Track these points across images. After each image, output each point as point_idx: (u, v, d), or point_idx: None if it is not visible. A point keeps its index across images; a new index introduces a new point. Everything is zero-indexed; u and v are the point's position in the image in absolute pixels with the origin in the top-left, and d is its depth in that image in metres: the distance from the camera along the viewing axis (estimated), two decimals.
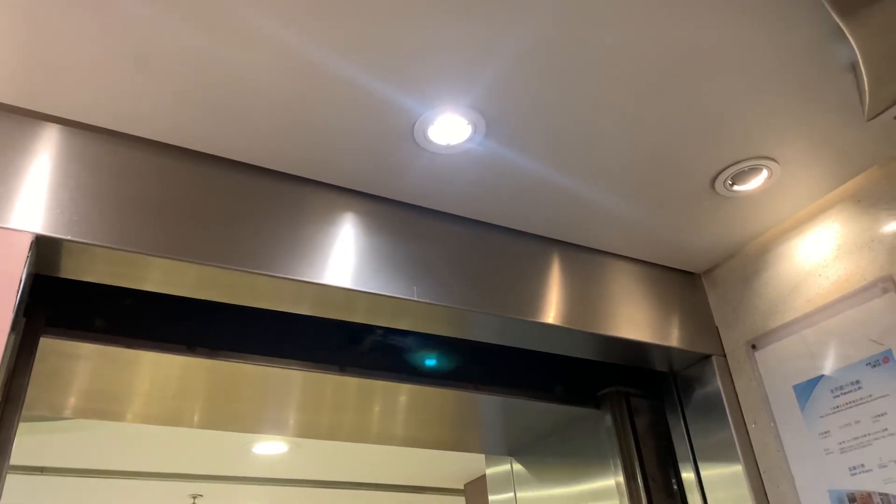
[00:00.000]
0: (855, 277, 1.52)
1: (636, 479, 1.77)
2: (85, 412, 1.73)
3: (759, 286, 1.74)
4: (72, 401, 1.66)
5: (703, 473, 1.73)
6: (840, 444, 1.47)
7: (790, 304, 1.65)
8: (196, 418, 1.83)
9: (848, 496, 1.44)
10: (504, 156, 1.43)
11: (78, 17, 1.09)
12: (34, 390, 1.52)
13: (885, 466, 1.39)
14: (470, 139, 1.37)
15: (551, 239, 1.71)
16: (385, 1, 1.10)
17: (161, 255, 1.24)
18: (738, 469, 1.64)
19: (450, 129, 1.34)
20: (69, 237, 1.16)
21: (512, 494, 2.27)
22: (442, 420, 2.03)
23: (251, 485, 4.42)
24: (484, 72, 1.23)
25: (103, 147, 1.28)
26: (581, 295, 1.67)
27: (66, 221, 1.18)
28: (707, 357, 1.78)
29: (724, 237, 1.76)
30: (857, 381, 1.47)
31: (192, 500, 4.58)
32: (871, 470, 1.41)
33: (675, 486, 1.78)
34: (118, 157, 1.29)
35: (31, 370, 1.25)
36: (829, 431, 1.50)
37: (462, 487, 4.67)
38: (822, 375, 1.54)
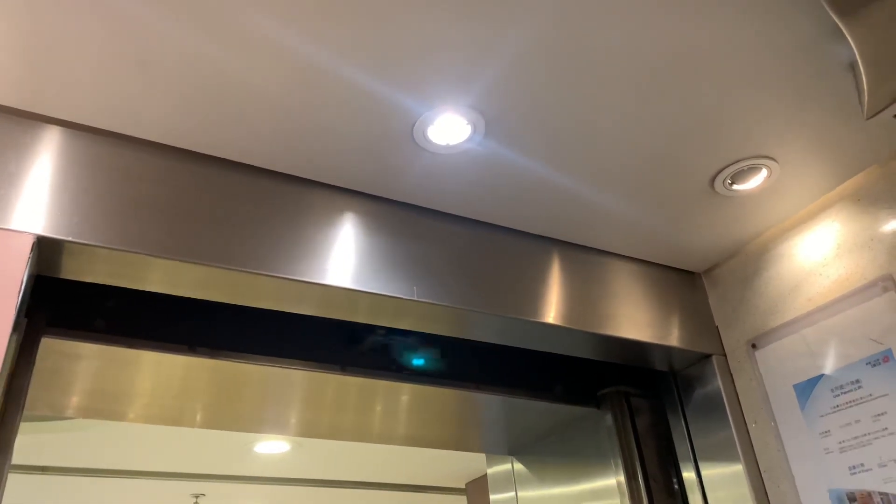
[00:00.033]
0: (855, 276, 1.52)
1: (637, 479, 1.77)
2: (87, 412, 1.74)
3: (759, 285, 1.74)
4: (74, 401, 1.66)
5: (703, 473, 1.73)
6: (840, 443, 1.47)
7: (790, 303, 1.65)
8: (198, 418, 1.83)
9: (848, 495, 1.44)
10: (504, 156, 1.43)
11: (80, 21, 1.10)
12: (36, 390, 1.52)
13: (885, 466, 1.39)
14: (469, 139, 1.37)
15: (551, 238, 1.71)
16: (384, 1, 1.10)
17: (162, 255, 1.24)
18: (738, 468, 1.64)
19: (449, 129, 1.34)
20: (70, 238, 1.17)
21: (513, 494, 2.27)
22: (443, 419, 2.03)
23: (253, 484, 4.43)
24: (483, 72, 1.23)
25: (105, 149, 1.29)
26: (581, 294, 1.67)
27: (68, 223, 1.18)
28: (707, 356, 1.78)
29: (723, 236, 1.76)
30: (858, 381, 1.47)
31: (194, 500, 4.58)
32: (870, 469, 1.41)
33: (676, 486, 1.78)
34: (119, 159, 1.29)
35: (32, 370, 1.25)
36: (829, 431, 1.50)
37: (464, 487, 4.68)
38: (823, 375, 1.54)
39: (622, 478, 1.79)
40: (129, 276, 1.31)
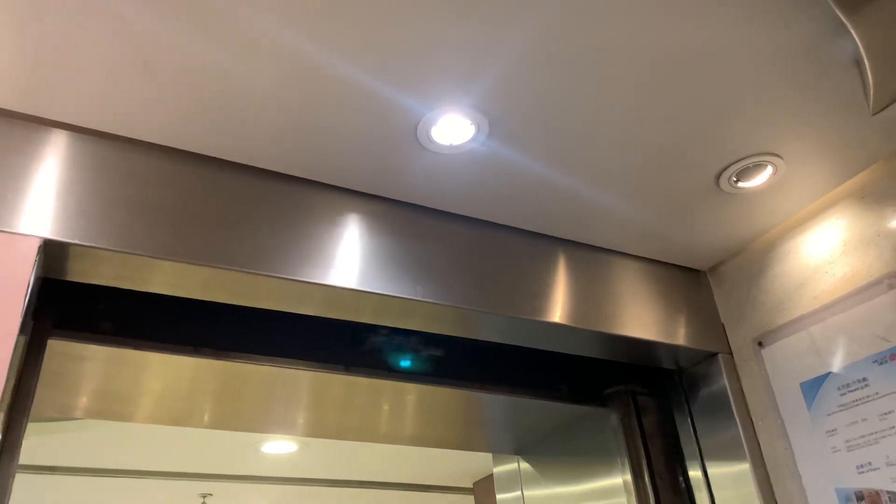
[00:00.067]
0: (861, 274, 1.52)
1: (643, 478, 1.77)
2: (94, 413, 1.75)
3: (764, 283, 1.74)
4: (81, 402, 1.67)
5: (710, 471, 1.73)
6: (847, 442, 1.47)
7: (796, 301, 1.65)
8: (205, 418, 1.84)
9: (856, 494, 1.44)
10: (507, 155, 1.43)
11: (84, 25, 1.10)
12: (43, 392, 1.53)
13: (893, 464, 1.38)
14: (473, 139, 1.37)
15: (556, 237, 1.71)
16: (387, 2, 1.10)
17: (167, 257, 1.24)
18: (745, 467, 1.64)
19: (453, 129, 1.34)
20: (76, 241, 1.17)
21: (519, 493, 2.27)
22: (448, 419, 2.03)
23: (260, 484, 4.44)
24: (486, 72, 1.23)
25: (110, 152, 1.29)
26: (586, 293, 1.67)
27: (74, 226, 1.18)
28: (713, 355, 1.78)
29: (729, 234, 1.76)
30: (864, 379, 1.46)
31: (201, 500, 4.60)
32: (878, 468, 1.40)
33: (683, 485, 1.77)
34: (124, 162, 1.30)
35: (39, 372, 1.26)
36: (836, 429, 1.49)
37: (471, 486, 4.68)
38: (829, 373, 1.53)
39: (629, 477, 1.79)
40: (134, 278, 1.31)
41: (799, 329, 1.62)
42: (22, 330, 1.08)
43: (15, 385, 1.20)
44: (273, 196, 1.41)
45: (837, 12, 1.15)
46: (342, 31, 1.14)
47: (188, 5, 1.08)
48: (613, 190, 1.56)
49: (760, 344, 1.70)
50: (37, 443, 3.52)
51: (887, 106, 1.35)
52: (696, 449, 1.76)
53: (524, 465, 2.28)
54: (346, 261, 1.41)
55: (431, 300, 1.46)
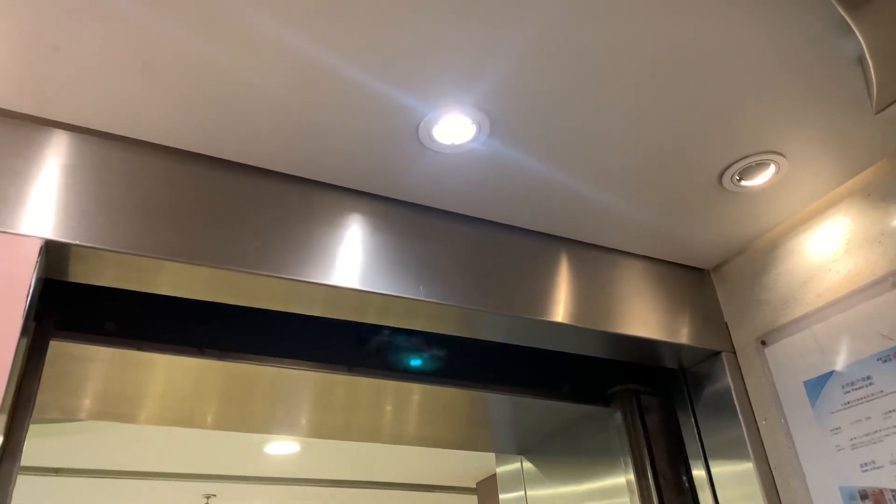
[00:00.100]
0: (865, 272, 1.51)
1: (647, 477, 1.77)
2: (98, 414, 1.75)
3: (768, 282, 1.73)
4: (85, 403, 1.67)
5: (713, 471, 1.72)
6: (851, 440, 1.46)
7: (800, 299, 1.64)
8: (209, 419, 1.84)
9: (860, 493, 1.43)
10: (509, 155, 1.43)
11: (84, 25, 1.10)
12: (47, 393, 1.54)
13: None
14: (474, 139, 1.37)
15: (558, 237, 1.71)
16: (387, 2, 1.10)
17: (170, 258, 1.24)
18: (748, 466, 1.63)
19: (454, 128, 1.34)
20: (78, 242, 1.17)
21: (522, 493, 2.27)
22: (452, 419, 2.03)
23: (264, 484, 4.44)
24: (487, 71, 1.23)
25: (111, 152, 1.29)
26: (589, 293, 1.66)
27: (75, 226, 1.18)
28: (717, 353, 1.78)
29: (732, 233, 1.75)
30: (868, 377, 1.46)
31: (205, 500, 4.60)
32: (882, 466, 1.40)
33: (686, 484, 1.77)
34: (126, 162, 1.30)
35: (41, 373, 1.26)
36: (840, 428, 1.49)
37: (474, 486, 4.68)
38: (833, 371, 1.53)
39: (632, 476, 1.79)
40: (138, 279, 1.31)
41: (802, 327, 1.61)
42: (23, 331, 1.08)
43: (17, 387, 1.20)
44: (275, 196, 1.41)
45: (840, 11, 1.15)
46: (343, 31, 1.14)
47: (189, 5, 1.08)
48: (616, 189, 1.56)
49: (764, 343, 1.70)
50: (41, 444, 3.53)
51: (891, 104, 1.35)
52: (700, 448, 1.76)
53: (527, 465, 2.28)
54: (349, 261, 1.41)
55: (434, 300, 1.46)
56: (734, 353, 1.78)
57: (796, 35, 1.21)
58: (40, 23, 1.10)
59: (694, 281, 1.87)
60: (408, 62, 1.20)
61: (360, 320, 1.52)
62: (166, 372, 1.57)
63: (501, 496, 2.39)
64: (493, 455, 2.51)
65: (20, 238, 1.13)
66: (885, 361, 1.43)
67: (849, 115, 1.40)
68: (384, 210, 1.52)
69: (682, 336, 1.74)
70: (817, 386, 1.55)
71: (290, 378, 1.64)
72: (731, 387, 1.72)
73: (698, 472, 1.75)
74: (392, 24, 1.13)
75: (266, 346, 1.55)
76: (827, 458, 1.50)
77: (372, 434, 2.09)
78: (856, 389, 1.47)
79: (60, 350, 1.38)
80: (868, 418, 1.44)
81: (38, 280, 1.17)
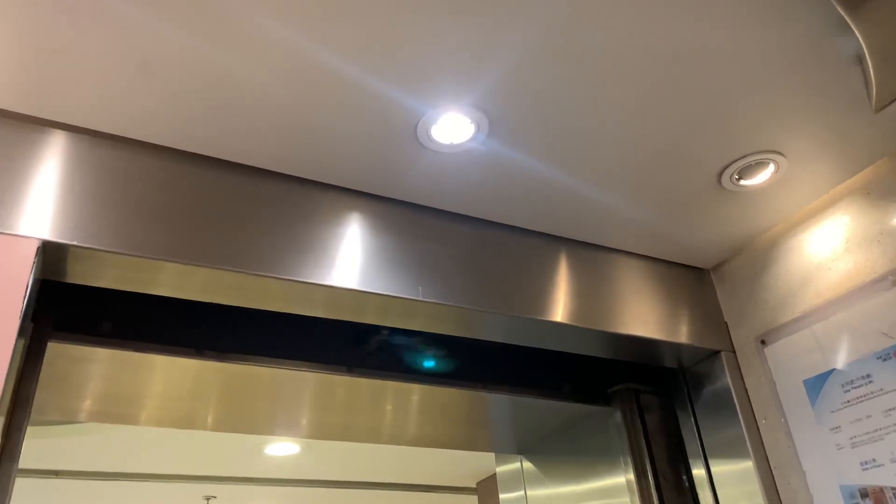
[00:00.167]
0: (865, 271, 1.51)
1: (647, 477, 1.76)
2: (98, 416, 1.75)
3: (767, 281, 1.73)
4: (84, 405, 1.67)
5: (713, 470, 1.72)
6: (851, 438, 1.46)
7: (799, 298, 1.64)
8: (209, 420, 1.84)
9: (860, 491, 1.43)
10: (508, 155, 1.43)
11: (80, 24, 1.10)
12: (45, 395, 1.53)
13: None
14: (473, 138, 1.37)
15: (557, 237, 1.71)
16: (386, 1, 1.10)
17: (169, 259, 1.24)
18: (748, 465, 1.63)
19: (453, 128, 1.34)
20: (75, 242, 1.17)
21: (522, 493, 2.27)
22: (452, 419, 2.03)
23: (264, 486, 4.44)
24: (486, 71, 1.23)
25: (109, 152, 1.29)
26: (589, 292, 1.66)
27: (73, 227, 1.18)
28: (716, 353, 1.77)
29: (731, 232, 1.75)
30: (868, 375, 1.45)
31: (205, 502, 4.60)
32: (882, 465, 1.40)
33: (686, 483, 1.77)
34: (124, 162, 1.29)
35: (38, 375, 1.26)
36: (840, 426, 1.49)
37: (475, 486, 4.67)
38: (833, 370, 1.53)
39: (632, 475, 1.78)
40: (136, 280, 1.31)
41: (802, 327, 1.61)
42: (21, 332, 1.08)
43: (14, 388, 1.20)
44: (274, 196, 1.41)
45: (839, 10, 1.15)
46: (341, 30, 1.14)
47: (186, 4, 1.08)
48: (615, 189, 1.56)
49: (763, 342, 1.70)
50: (41, 446, 3.53)
51: (890, 103, 1.35)
52: (700, 447, 1.76)
53: (527, 465, 2.28)
54: (348, 261, 1.40)
55: (433, 300, 1.45)
56: (734, 352, 1.78)
57: (795, 34, 1.21)
58: (37, 22, 1.09)
59: (693, 280, 1.87)
60: (406, 61, 1.20)
61: (359, 320, 1.52)
62: (165, 373, 1.57)
63: (502, 496, 2.39)
64: (492, 455, 2.51)
65: (17, 239, 1.12)
66: (886, 360, 1.43)
67: (848, 113, 1.40)
68: (383, 210, 1.51)
69: (682, 335, 1.74)
70: (817, 385, 1.55)
71: (290, 379, 1.63)
72: (731, 386, 1.72)
73: (698, 472, 1.75)
74: (390, 23, 1.13)
75: (265, 347, 1.55)
76: (827, 456, 1.50)
77: (372, 434, 2.08)
78: (856, 388, 1.47)
79: (59, 351, 1.38)
80: (868, 416, 1.44)
81: (36, 281, 1.17)
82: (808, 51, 1.25)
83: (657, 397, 1.88)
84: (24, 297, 1.08)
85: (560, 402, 1.89)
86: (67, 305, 1.36)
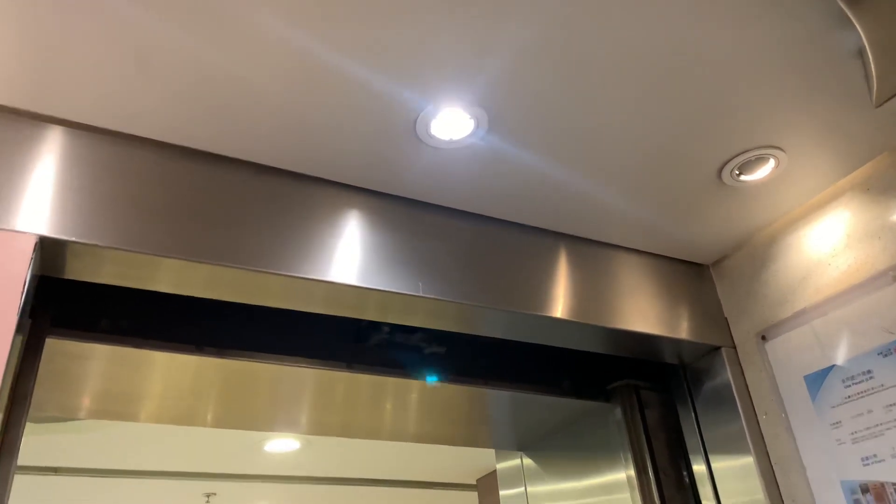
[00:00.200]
0: (865, 266, 1.51)
1: (647, 473, 1.76)
2: (97, 413, 1.74)
3: (767, 277, 1.73)
4: (83, 401, 1.67)
5: (714, 466, 1.72)
6: (852, 434, 1.46)
7: (799, 294, 1.64)
8: (209, 417, 1.84)
9: (861, 487, 1.43)
10: (508, 150, 1.42)
11: (78, 19, 1.10)
12: (44, 391, 1.53)
13: None
14: (473, 134, 1.36)
15: (557, 233, 1.70)
16: None
17: (168, 255, 1.24)
18: (749, 461, 1.63)
19: (452, 124, 1.34)
20: (73, 238, 1.17)
21: (522, 489, 2.26)
22: (452, 415, 2.03)
23: (264, 483, 4.44)
24: (485, 66, 1.22)
25: (107, 148, 1.29)
26: (589, 288, 1.66)
27: (71, 223, 1.18)
28: (716, 349, 1.77)
29: (732, 228, 1.75)
30: (869, 371, 1.45)
31: (205, 499, 4.60)
32: (883, 460, 1.40)
33: (687, 479, 1.77)
34: (122, 158, 1.29)
35: (37, 371, 1.25)
36: (840, 422, 1.49)
37: (474, 482, 4.67)
38: (833, 366, 1.52)
39: (632, 472, 1.78)
40: (136, 276, 1.30)
41: (802, 322, 1.61)
42: (19, 328, 1.07)
43: (13, 384, 1.19)
44: (274, 192, 1.40)
45: (840, 4, 1.15)
46: (339, 25, 1.13)
47: (186, 2, 1.08)
48: (615, 184, 1.55)
49: (764, 337, 1.69)
50: (40, 443, 3.53)
51: (890, 98, 1.34)
52: (700, 443, 1.76)
53: (527, 461, 2.28)
54: (348, 257, 1.40)
55: (433, 296, 1.45)
56: (734, 348, 1.78)
57: (796, 28, 1.21)
58: (35, 18, 1.09)
59: (693, 276, 1.87)
60: (404, 56, 1.20)
61: (359, 317, 1.52)
62: (165, 370, 1.57)
63: (502, 492, 2.39)
64: (492, 451, 2.51)
65: (15, 234, 1.12)
66: (886, 355, 1.43)
67: (849, 108, 1.39)
68: (383, 206, 1.51)
69: (682, 331, 1.73)
70: (818, 380, 1.55)
71: (290, 375, 1.63)
72: (732, 382, 1.71)
73: (699, 468, 1.75)
74: (388, 17, 1.13)
75: (265, 344, 1.54)
76: (828, 452, 1.50)
77: (372, 431, 2.08)
78: (856, 384, 1.47)
79: (57, 348, 1.37)
80: (869, 412, 1.43)
81: (34, 277, 1.17)
82: (809, 45, 1.24)
83: (657, 393, 1.88)
84: (22, 293, 1.08)
85: (560, 399, 1.89)
86: (66, 302, 1.35)
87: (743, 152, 1.48)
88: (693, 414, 1.80)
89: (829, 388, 1.52)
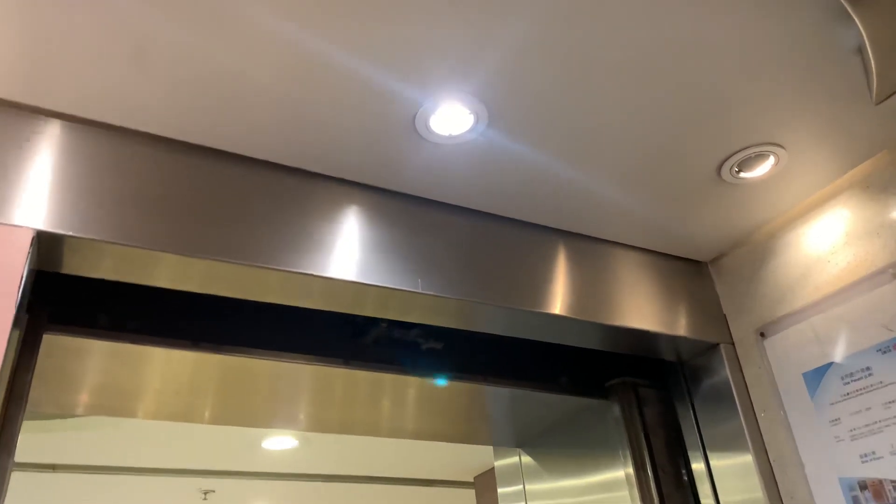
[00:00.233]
0: (864, 264, 1.50)
1: (646, 470, 1.76)
2: (94, 409, 1.74)
3: (766, 274, 1.73)
4: (81, 398, 1.66)
5: (712, 463, 1.72)
6: (851, 431, 1.46)
7: (798, 291, 1.63)
8: (206, 414, 1.83)
9: (859, 483, 1.43)
10: (507, 146, 1.42)
11: (76, 13, 1.09)
12: (41, 388, 1.53)
13: None
14: (472, 129, 1.36)
15: (556, 229, 1.70)
16: None
17: (166, 250, 1.23)
18: (748, 458, 1.63)
19: (452, 119, 1.33)
20: (71, 233, 1.16)
21: (521, 487, 2.26)
22: (450, 412, 2.02)
23: (262, 480, 4.44)
24: (485, 61, 1.22)
25: (105, 142, 1.28)
26: (587, 285, 1.66)
27: (69, 217, 1.17)
28: (715, 346, 1.77)
29: (731, 225, 1.75)
30: (868, 368, 1.45)
31: (203, 496, 4.60)
32: (882, 457, 1.40)
33: (685, 477, 1.77)
34: (121, 153, 1.28)
35: (34, 367, 1.25)
36: (839, 419, 1.49)
37: (472, 480, 4.68)
38: (832, 363, 1.52)
39: (630, 469, 1.78)
40: (134, 271, 1.30)
41: (801, 319, 1.61)
42: (15, 324, 1.07)
43: (9, 380, 1.19)
44: (272, 187, 1.40)
45: (841, 0, 1.14)
46: (337, 19, 1.13)
47: None
48: (614, 181, 1.55)
49: (762, 335, 1.69)
50: (37, 441, 3.52)
51: (891, 95, 1.34)
52: (699, 440, 1.75)
53: (525, 459, 2.28)
54: (346, 253, 1.40)
55: (433, 293, 1.45)
56: (733, 345, 1.77)
57: (796, 25, 1.20)
58: (33, 11, 1.08)
59: (692, 273, 1.86)
60: (403, 50, 1.19)
61: (357, 313, 1.52)
62: (162, 366, 1.56)
63: (500, 490, 2.38)
64: (490, 449, 2.51)
65: (11, 228, 1.11)
66: (885, 353, 1.43)
67: (848, 106, 1.39)
68: (382, 202, 1.50)
69: (681, 328, 1.73)
70: (816, 377, 1.55)
71: (288, 371, 1.63)
72: (730, 379, 1.71)
73: (697, 465, 1.75)
74: (387, 11, 1.12)
75: (263, 340, 1.54)
76: (826, 449, 1.50)
77: (370, 428, 2.08)
78: (855, 381, 1.47)
79: (54, 343, 1.37)
80: (868, 409, 1.43)
81: (31, 272, 1.16)
82: (809, 42, 1.24)
83: (656, 390, 1.88)
84: (19, 288, 1.07)
85: (558, 396, 1.89)
86: (63, 297, 1.35)
87: (742, 149, 1.48)
88: (691, 411, 1.80)
89: (827, 385, 1.52)
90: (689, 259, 1.88)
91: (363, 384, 1.76)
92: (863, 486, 1.42)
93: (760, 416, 1.66)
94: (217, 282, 1.36)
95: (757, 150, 1.48)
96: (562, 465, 2.12)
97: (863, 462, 1.43)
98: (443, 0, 1.10)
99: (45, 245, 1.18)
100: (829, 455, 1.49)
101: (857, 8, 1.16)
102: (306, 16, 1.12)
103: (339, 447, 3.99)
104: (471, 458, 4.17)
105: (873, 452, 1.41)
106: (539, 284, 1.59)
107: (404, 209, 1.52)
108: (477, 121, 1.34)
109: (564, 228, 1.71)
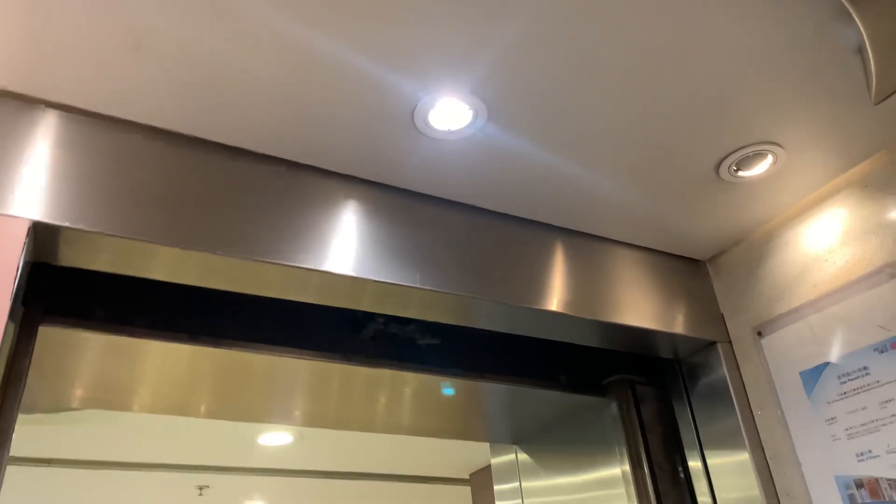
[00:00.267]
0: (861, 263, 1.51)
1: (642, 468, 1.76)
2: (90, 402, 1.74)
3: (764, 273, 1.73)
4: (77, 391, 1.66)
5: (709, 461, 1.72)
6: (847, 430, 1.46)
7: (796, 290, 1.64)
8: (202, 408, 1.83)
9: (855, 482, 1.43)
10: (506, 142, 1.42)
11: (75, 3, 1.08)
12: (37, 381, 1.52)
13: (893, 452, 1.38)
14: (471, 125, 1.36)
15: (555, 226, 1.70)
16: None
17: (163, 243, 1.23)
18: (744, 456, 1.63)
19: (450, 114, 1.33)
20: (67, 224, 1.15)
21: (517, 484, 2.26)
22: (447, 409, 2.02)
23: (257, 476, 4.44)
24: (484, 56, 1.21)
25: (103, 134, 1.27)
26: (585, 282, 1.65)
27: (65, 208, 1.17)
28: (712, 344, 1.77)
29: (729, 224, 1.74)
30: (865, 367, 1.45)
31: (198, 491, 4.59)
32: (878, 456, 1.40)
33: (682, 474, 1.77)
34: (118, 144, 1.28)
35: (30, 359, 1.24)
36: (836, 418, 1.49)
37: (467, 477, 4.68)
38: (829, 362, 1.52)
39: (627, 467, 1.78)
40: (131, 264, 1.29)
41: (798, 318, 1.61)
42: (11, 316, 1.06)
43: (5, 373, 1.18)
44: (271, 181, 1.39)
45: (841, 0, 1.14)
46: (336, 13, 1.12)
47: None
48: (613, 178, 1.55)
49: (760, 333, 1.69)
50: (33, 435, 3.52)
51: (890, 95, 1.34)
52: (696, 438, 1.76)
53: (522, 456, 2.28)
54: (344, 247, 1.39)
55: (429, 287, 1.44)
56: (730, 343, 1.78)
57: (795, 24, 1.20)
58: (32, 2, 1.08)
59: (690, 271, 1.86)
60: (402, 45, 1.19)
61: (355, 307, 1.51)
62: (159, 359, 1.56)
63: (496, 487, 2.38)
64: (486, 447, 2.51)
65: (7, 219, 1.10)
66: (882, 352, 1.43)
67: (847, 105, 1.39)
68: (380, 196, 1.50)
69: (678, 326, 1.73)
70: (813, 376, 1.55)
71: (284, 366, 1.62)
72: (727, 377, 1.71)
73: (694, 463, 1.75)
74: (386, 6, 1.12)
75: (260, 334, 1.54)
76: (823, 447, 1.50)
77: (366, 423, 2.08)
78: (852, 380, 1.47)
79: (50, 336, 1.36)
80: (864, 408, 1.44)
81: (27, 263, 1.15)
82: (808, 41, 1.24)
83: (653, 388, 1.88)
84: (15, 279, 1.07)
85: (555, 393, 1.89)
86: (60, 290, 1.34)
87: (741, 148, 1.48)
88: (689, 409, 1.80)
89: (824, 383, 1.52)
90: (687, 257, 1.89)
91: (360, 379, 1.76)
92: (859, 484, 1.42)
93: (757, 414, 1.67)
94: (214, 275, 1.35)
95: (755, 148, 1.48)
96: (558, 463, 2.12)
97: (859, 461, 1.43)
98: None
99: (42, 236, 1.17)
100: (825, 453, 1.49)
101: (857, 8, 1.16)
102: (305, 10, 1.11)
103: (334, 443, 4.00)
104: (467, 454, 4.17)
105: (870, 451, 1.41)
106: (537, 281, 1.59)
107: (402, 204, 1.52)
108: (475, 116, 1.34)
109: (562, 225, 1.71)
